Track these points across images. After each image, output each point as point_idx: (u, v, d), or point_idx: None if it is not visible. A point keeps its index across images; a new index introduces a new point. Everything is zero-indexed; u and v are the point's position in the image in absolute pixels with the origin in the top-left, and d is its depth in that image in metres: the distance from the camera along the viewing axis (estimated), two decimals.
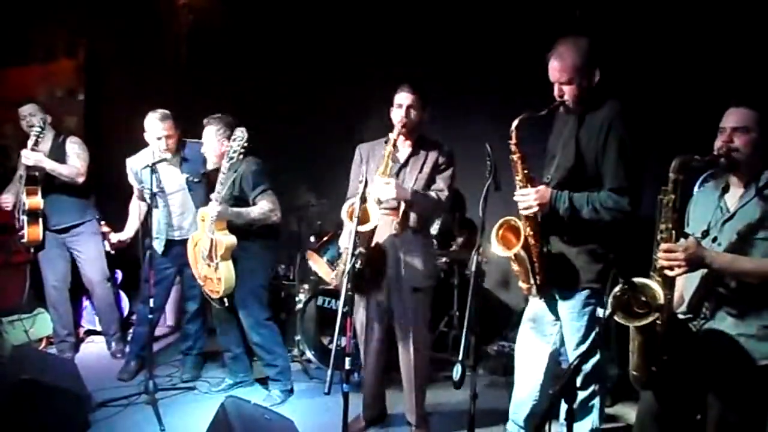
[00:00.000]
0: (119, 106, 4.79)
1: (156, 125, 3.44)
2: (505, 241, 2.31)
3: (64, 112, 5.00)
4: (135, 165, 3.58)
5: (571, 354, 2.46)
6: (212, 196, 3.12)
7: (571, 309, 2.41)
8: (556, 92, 2.31)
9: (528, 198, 2.25)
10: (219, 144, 3.23)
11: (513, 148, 2.27)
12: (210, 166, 3.35)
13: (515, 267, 2.39)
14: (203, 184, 3.53)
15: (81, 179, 3.81)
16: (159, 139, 3.44)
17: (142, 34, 5.04)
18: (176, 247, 3.59)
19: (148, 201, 3.39)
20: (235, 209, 3.17)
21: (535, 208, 2.25)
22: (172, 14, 4.99)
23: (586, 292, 2.38)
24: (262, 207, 3.20)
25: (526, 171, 2.30)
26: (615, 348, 3.25)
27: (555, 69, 2.28)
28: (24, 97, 4.14)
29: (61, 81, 5.22)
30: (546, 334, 2.55)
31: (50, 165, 3.69)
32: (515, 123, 2.24)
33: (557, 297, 2.45)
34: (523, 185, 2.29)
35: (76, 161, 3.81)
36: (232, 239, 3.18)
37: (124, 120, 3.72)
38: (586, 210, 2.25)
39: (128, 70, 5.01)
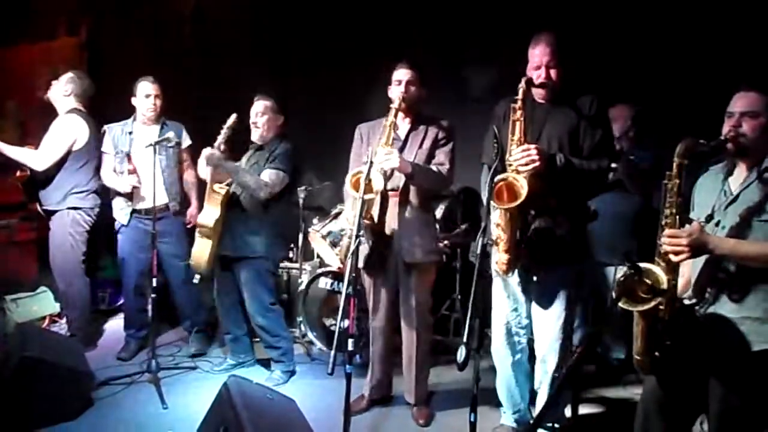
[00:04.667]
0: (121, 85, 4.74)
1: (146, 85, 3.57)
2: (500, 199, 2.27)
3: None
4: (112, 130, 3.64)
5: (554, 331, 2.51)
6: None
7: (556, 285, 2.48)
8: (542, 76, 2.37)
9: (531, 152, 2.24)
10: (276, 117, 3.27)
11: (519, 104, 2.28)
12: (255, 138, 3.29)
13: (500, 234, 2.36)
14: (174, 153, 3.63)
15: (40, 165, 3.57)
16: (147, 96, 3.55)
17: (145, 13, 4.98)
18: (149, 221, 3.49)
19: (120, 168, 3.55)
20: (232, 163, 3.16)
21: (537, 162, 2.24)
22: None
23: (571, 268, 2.48)
24: (260, 178, 3.16)
25: (525, 131, 2.31)
26: (620, 331, 3.28)
27: (545, 53, 2.36)
28: (25, 75, 4.09)
29: (62, 59, 5.16)
30: (523, 325, 2.62)
31: (8, 152, 3.58)
32: (523, 81, 2.29)
33: (539, 273, 2.49)
34: (520, 144, 2.29)
35: (42, 145, 3.61)
36: (207, 219, 3.17)
37: (126, 99, 3.68)
38: (576, 161, 2.36)
39: (131, 49, 4.96)
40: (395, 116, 2.69)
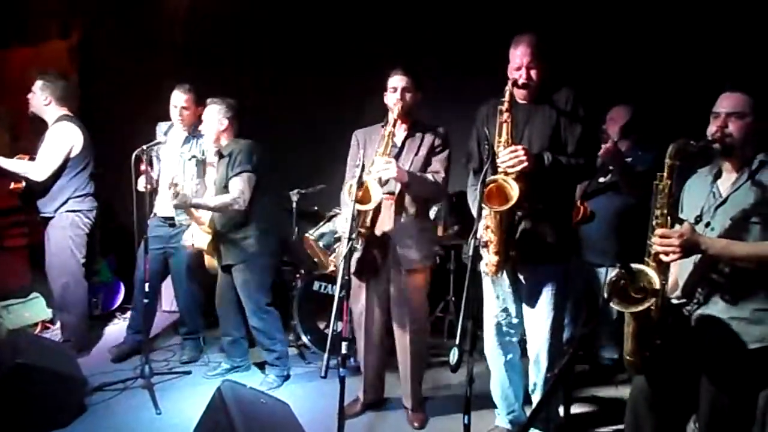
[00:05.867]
0: (114, 89, 4.73)
1: (176, 95, 3.54)
2: (490, 202, 2.27)
3: None
4: (161, 128, 3.69)
5: (545, 331, 2.51)
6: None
7: (543, 285, 2.49)
8: (523, 77, 2.39)
9: (518, 153, 2.26)
10: (219, 124, 3.24)
11: (505, 106, 2.30)
12: (208, 147, 3.33)
13: (490, 236, 2.37)
14: (198, 164, 3.54)
15: (39, 176, 3.54)
16: (174, 107, 3.52)
17: (137, 16, 4.96)
18: (163, 228, 3.60)
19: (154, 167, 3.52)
20: (196, 200, 3.20)
21: (525, 163, 2.25)
22: None
23: (557, 267, 2.49)
24: (224, 196, 3.17)
25: (512, 133, 2.32)
26: (613, 332, 3.30)
27: (525, 54, 2.39)
28: (15, 79, 4.06)
29: (53, 63, 5.13)
30: (513, 324, 2.63)
31: (7, 165, 3.55)
32: (510, 83, 2.33)
33: (526, 272, 2.50)
34: (508, 145, 2.30)
35: (40, 156, 3.57)
36: (201, 243, 3.34)
37: (118, 103, 3.67)
38: (564, 159, 2.39)
39: (123, 52, 4.94)
40: (393, 126, 2.69)
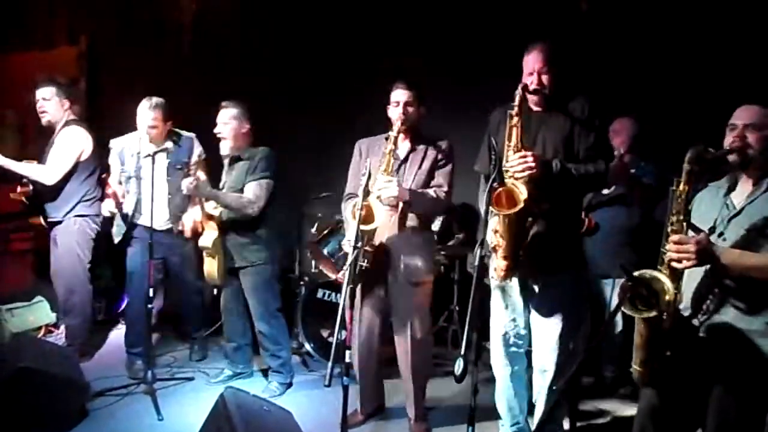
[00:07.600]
0: (121, 94, 4.75)
1: (146, 114, 3.39)
2: (499, 205, 2.24)
3: None
4: (119, 146, 3.54)
5: (553, 341, 2.48)
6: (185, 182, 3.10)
7: (555, 294, 2.46)
8: (534, 82, 2.38)
9: (527, 159, 2.23)
10: (240, 126, 3.24)
11: (515, 110, 2.27)
12: (226, 151, 3.28)
13: (499, 240, 2.34)
14: (182, 173, 3.44)
15: (50, 179, 3.58)
16: (152, 127, 3.39)
17: (145, 23, 5.01)
18: (157, 234, 3.39)
19: (125, 187, 3.46)
20: (213, 190, 3.20)
21: (534, 169, 2.23)
22: (176, 3, 4.96)
23: (569, 275, 2.46)
24: (241, 196, 3.18)
25: (521, 137, 2.30)
26: (612, 346, 3.28)
27: (537, 59, 2.39)
28: (24, 84, 4.10)
29: (62, 69, 5.18)
30: (521, 335, 2.60)
31: (9, 165, 3.55)
32: (520, 87, 2.29)
33: (537, 281, 2.47)
34: (517, 150, 2.28)
35: (51, 159, 3.60)
36: (206, 241, 3.25)
37: (125, 109, 3.68)
38: (573, 166, 2.36)
39: (131, 58, 4.98)
40: (395, 143, 2.68)
